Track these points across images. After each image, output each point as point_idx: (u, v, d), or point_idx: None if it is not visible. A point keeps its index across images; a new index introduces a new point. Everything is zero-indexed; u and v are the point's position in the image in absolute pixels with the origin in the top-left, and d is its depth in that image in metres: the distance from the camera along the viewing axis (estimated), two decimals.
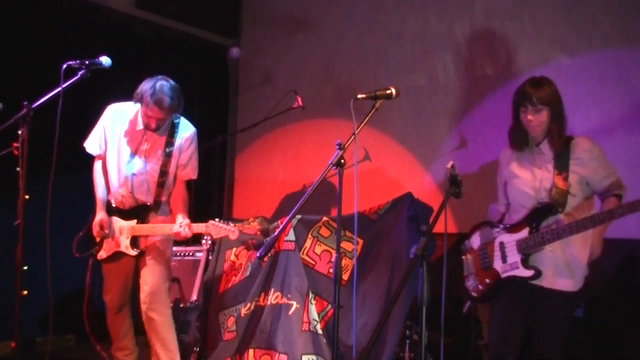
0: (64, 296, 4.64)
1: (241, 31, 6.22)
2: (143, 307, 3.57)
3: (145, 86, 3.43)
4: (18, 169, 2.74)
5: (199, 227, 3.49)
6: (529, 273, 2.89)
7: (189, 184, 3.78)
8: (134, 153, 3.58)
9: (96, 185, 3.66)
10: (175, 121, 3.65)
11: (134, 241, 3.57)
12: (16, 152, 2.75)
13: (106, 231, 3.56)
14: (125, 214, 3.61)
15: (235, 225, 3.49)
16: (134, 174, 3.57)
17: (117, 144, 3.60)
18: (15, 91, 3.19)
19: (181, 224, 3.46)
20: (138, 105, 3.55)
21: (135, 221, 3.58)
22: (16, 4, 4.51)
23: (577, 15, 4.35)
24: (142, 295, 3.58)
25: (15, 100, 2.85)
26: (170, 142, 3.60)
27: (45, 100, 2.85)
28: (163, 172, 3.59)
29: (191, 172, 3.72)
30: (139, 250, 3.57)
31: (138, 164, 3.58)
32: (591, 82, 4.25)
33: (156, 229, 3.55)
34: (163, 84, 3.42)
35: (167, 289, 3.67)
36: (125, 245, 3.57)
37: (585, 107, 4.18)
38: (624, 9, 4.17)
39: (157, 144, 3.60)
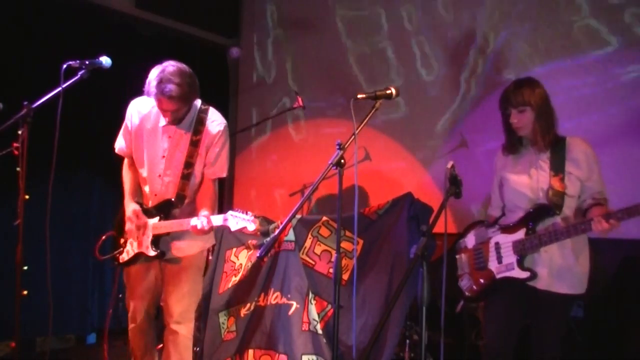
0: (64, 296, 4.65)
1: (241, 31, 6.22)
2: (169, 319, 3.31)
3: (152, 75, 3.09)
4: (18, 169, 2.74)
5: (218, 219, 3.11)
6: (524, 275, 2.89)
7: (217, 182, 3.41)
8: (157, 152, 3.29)
9: (125, 181, 3.43)
10: (202, 114, 3.29)
11: (155, 241, 3.25)
12: (16, 152, 2.75)
13: (142, 221, 3.26)
14: (149, 212, 3.31)
15: (254, 217, 3.14)
16: (159, 175, 3.29)
17: (142, 142, 3.32)
18: (15, 91, 3.19)
19: (199, 216, 3.11)
20: None
21: (157, 218, 3.26)
22: (16, 4, 4.51)
23: (576, 14, 4.35)
24: (170, 307, 3.30)
25: (15, 100, 2.86)
26: (197, 130, 3.25)
27: (45, 100, 2.85)
28: (188, 164, 3.24)
29: (220, 169, 3.32)
30: (159, 251, 3.24)
31: (163, 163, 3.28)
32: (590, 83, 4.25)
33: (174, 225, 3.21)
34: (170, 70, 3.06)
35: (194, 302, 3.40)
36: (146, 245, 3.25)
37: (585, 109, 4.19)
38: (619, 10, 4.18)
39: (183, 137, 3.27)
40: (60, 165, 2.87)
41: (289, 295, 3.80)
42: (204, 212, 3.15)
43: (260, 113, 5.34)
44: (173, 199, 3.26)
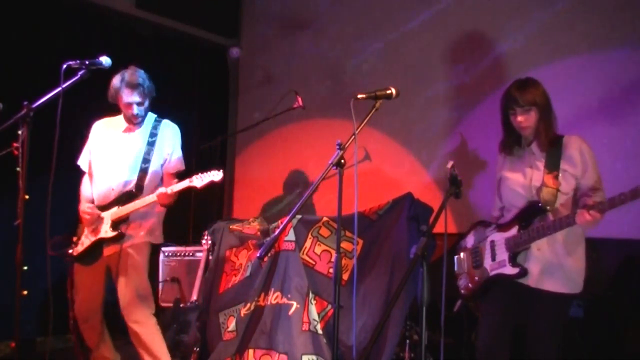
0: (64, 296, 4.65)
1: (241, 31, 6.22)
2: (124, 318, 3.57)
3: (115, 79, 3.59)
4: (18, 169, 2.74)
5: (183, 184, 3.54)
6: (514, 271, 2.91)
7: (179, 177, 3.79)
8: (115, 152, 3.67)
9: (82, 193, 3.77)
10: (157, 119, 3.77)
11: (115, 225, 3.57)
12: (16, 152, 2.75)
13: (95, 214, 3.58)
14: (107, 206, 3.63)
15: (216, 172, 3.55)
16: (115, 171, 3.64)
17: (101, 151, 3.72)
18: (15, 91, 3.19)
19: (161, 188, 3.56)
20: (120, 116, 3.74)
21: (116, 208, 3.60)
22: (16, 4, 4.51)
23: (576, 15, 4.35)
24: (121, 307, 3.56)
25: (15, 100, 2.85)
26: (153, 134, 3.71)
27: (45, 100, 2.85)
28: (145, 159, 3.66)
29: (179, 163, 3.79)
30: (118, 231, 3.56)
31: (118, 159, 3.66)
32: (590, 83, 4.25)
33: (137, 204, 3.56)
34: (131, 71, 3.60)
35: (146, 297, 3.63)
36: (105, 230, 3.57)
37: (583, 108, 4.19)
38: (616, 9, 4.18)
39: (140, 138, 3.71)
40: (60, 165, 2.87)
41: (289, 295, 3.80)
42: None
43: (260, 113, 5.34)
44: (133, 190, 3.62)
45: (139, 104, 3.62)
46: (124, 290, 3.56)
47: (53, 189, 2.83)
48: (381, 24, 5.30)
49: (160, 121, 3.78)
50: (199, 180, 3.52)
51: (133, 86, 3.55)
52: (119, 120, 3.77)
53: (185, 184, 3.53)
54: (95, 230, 3.59)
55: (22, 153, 2.74)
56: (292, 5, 5.91)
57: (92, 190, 3.73)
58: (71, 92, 2.89)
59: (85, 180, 3.81)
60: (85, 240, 3.61)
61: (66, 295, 4.71)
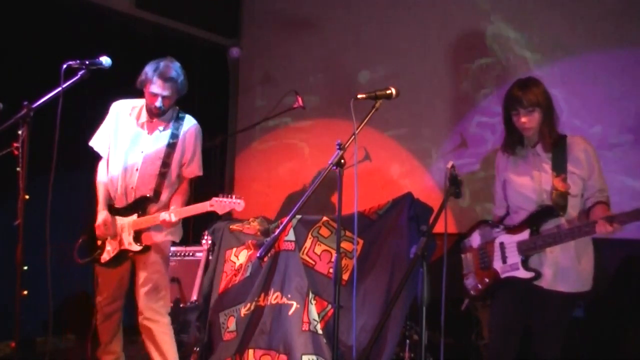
0: (64, 296, 4.65)
1: (241, 31, 6.22)
2: (140, 316, 3.55)
3: (148, 67, 3.45)
4: (18, 169, 2.74)
5: (204, 206, 3.46)
6: (528, 275, 2.90)
7: (191, 182, 3.74)
8: (136, 147, 3.56)
9: (98, 186, 3.65)
10: (180, 115, 3.63)
11: (137, 236, 3.52)
12: (16, 152, 2.74)
13: (110, 231, 3.53)
14: (126, 211, 3.56)
15: (239, 201, 3.47)
16: (136, 169, 3.55)
17: (121, 140, 3.59)
18: (15, 91, 3.19)
19: (168, 211, 3.46)
20: (142, 101, 3.56)
21: (135, 215, 3.53)
22: (16, 4, 4.51)
23: (574, 17, 4.35)
24: (139, 304, 3.55)
25: (15, 100, 2.85)
26: (174, 135, 3.57)
27: (45, 100, 2.85)
28: (165, 163, 3.55)
29: (197, 168, 3.68)
30: (142, 245, 3.52)
31: (139, 157, 3.55)
32: (589, 84, 4.25)
33: (151, 219, 3.50)
34: (167, 62, 3.45)
35: (164, 296, 3.61)
36: (128, 241, 3.52)
37: (582, 109, 4.19)
38: (620, 11, 4.17)
39: (161, 137, 3.58)
40: (60, 165, 2.87)
41: (289, 295, 3.80)
42: (172, 208, 3.51)
43: (260, 113, 5.34)
44: (149, 195, 3.52)
45: (164, 98, 3.45)
46: (143, 286, 3.53)
47: (53, 189, 2.83)
48: (381, 23, 5.30)
49: (183, 118, 3.63)
50: (220, 206, 3.44)
51: (166, 79, 3.40)
52: (140, 108, 3.61)
53: (204, 207, 3.46)
54: (120, 240, 3.54)
55: (22, 153, 2.74)
56: (292, 5, 5.91)
57: (109, 183, 3.61)
58: (71, 91, 2.89)
59: (102, 168, 3.66)
60: (110, 248, 3.56)
61: (66, 296, 4.75)
